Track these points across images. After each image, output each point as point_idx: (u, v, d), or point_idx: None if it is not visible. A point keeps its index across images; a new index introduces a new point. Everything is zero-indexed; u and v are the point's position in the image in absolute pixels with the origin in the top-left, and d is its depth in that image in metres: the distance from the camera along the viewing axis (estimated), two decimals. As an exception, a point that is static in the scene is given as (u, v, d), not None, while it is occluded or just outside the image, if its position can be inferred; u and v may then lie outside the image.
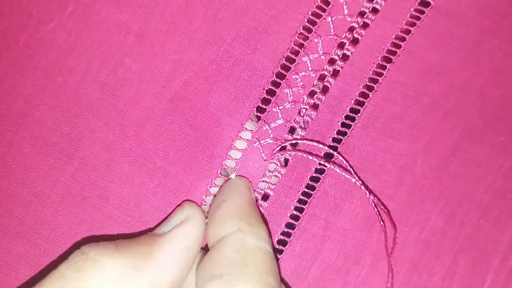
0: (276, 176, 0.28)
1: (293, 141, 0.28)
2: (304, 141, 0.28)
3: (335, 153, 0.28)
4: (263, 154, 0.28)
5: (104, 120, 0.28)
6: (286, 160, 0.28)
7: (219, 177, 0.28)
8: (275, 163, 0.28)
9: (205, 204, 0.28)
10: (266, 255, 0.21)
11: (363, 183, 0.28)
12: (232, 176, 0.27)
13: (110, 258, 0.20)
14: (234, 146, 0.28)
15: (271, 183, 0.28)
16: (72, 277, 0.19)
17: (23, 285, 0.27)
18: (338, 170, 0.27)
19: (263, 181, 0.28)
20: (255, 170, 0.28)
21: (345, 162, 0.28)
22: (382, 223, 0.27)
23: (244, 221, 0.22)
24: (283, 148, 0.28)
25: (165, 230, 0.23)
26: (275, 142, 0.28)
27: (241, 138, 0.28)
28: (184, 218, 0.24)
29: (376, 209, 0.27)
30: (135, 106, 0.28)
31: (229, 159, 0.28)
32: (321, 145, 0.28)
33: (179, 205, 0.27)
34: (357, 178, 0.27)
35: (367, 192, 0.27)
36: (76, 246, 0.25)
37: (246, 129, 0.28)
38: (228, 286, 0.19)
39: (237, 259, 0.20)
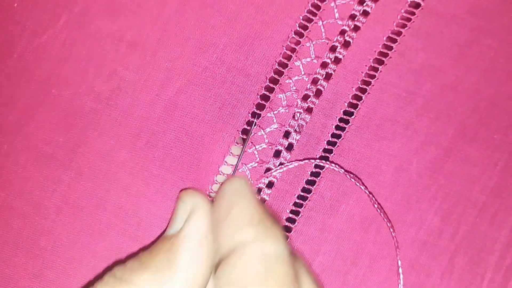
0: (265, 195, 0.28)
1: (278, 170, 0.28)
2: (288, 166, 0.28)
3: (327, 164, 0.28)
4: (249, 176, 0.28)
5: (99, 129, 0.28)
6: (272, 183, 0.28)
7: (216, 183, 0.28)
8: (262, 185, 0.28)
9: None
10: (285, 263, 0.21)
11: (362, 183, 0.28)
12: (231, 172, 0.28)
13: (138, 275, 0.22)
14: (231, 152, 0.28)
15: (266, 188, 0.28)
16: None
17: None
18: (336, 168, 0.28)
19: (259, 186, 0.28)
20: (252, 172, 0.28)
21: (336, 169, 0.28)
22: (385, 220, 0.28)
23: (260, 226, 0.22)
24: (269, 170, 0.28)
25: (176, 229, 0.23)
26: (260, 165, 0.28)
27: (237, 143, 0.28)
28: (189, 209, 0.24)
29: (377, 205, 0.28)
30: (130, 115, 0.28)
31: (225, 164, 0.28)
32: (311, 160, 0.28)
33: (178, 197, 0.26)
34: (351, 177, 0.27)
35: (366, 192, 0.27)
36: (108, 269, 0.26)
37: (241, 136, 0.28)
38: None
39: (260, 271, 0.20)
